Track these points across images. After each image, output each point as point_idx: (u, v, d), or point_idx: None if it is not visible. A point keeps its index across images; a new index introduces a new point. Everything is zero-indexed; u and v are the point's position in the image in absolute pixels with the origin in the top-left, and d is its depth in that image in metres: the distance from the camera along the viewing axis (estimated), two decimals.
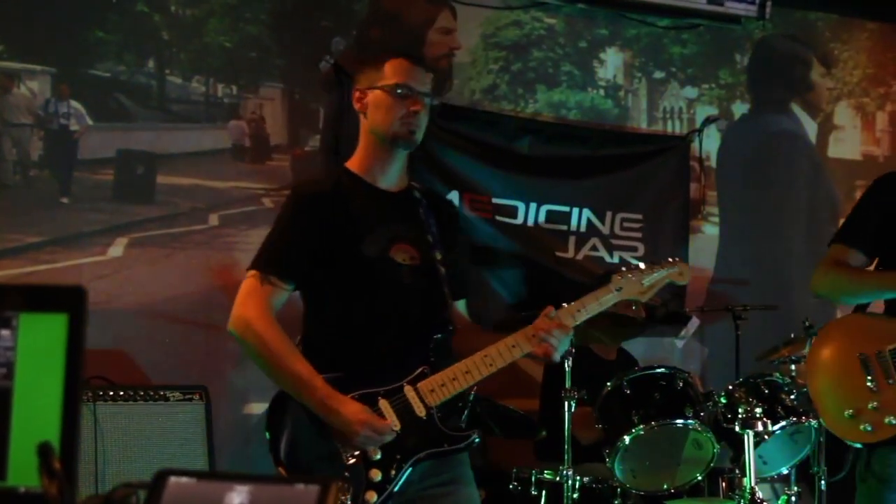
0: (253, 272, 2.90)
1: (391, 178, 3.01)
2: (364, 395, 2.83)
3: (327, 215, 2.90)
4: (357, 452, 2.81)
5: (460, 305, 3.11)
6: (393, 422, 2.83)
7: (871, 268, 3.44)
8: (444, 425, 2.87)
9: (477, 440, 2.92)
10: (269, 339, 2.82)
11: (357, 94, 2.99)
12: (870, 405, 3.24)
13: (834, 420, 3.34)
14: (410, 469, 2.84)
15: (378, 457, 2.81)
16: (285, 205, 3.01)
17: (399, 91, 2.91)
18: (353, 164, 3.03)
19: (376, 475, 2.81)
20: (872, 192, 3.47)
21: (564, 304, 2.99)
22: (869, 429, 3.23)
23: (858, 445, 3.31)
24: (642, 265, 3.08)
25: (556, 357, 2.95)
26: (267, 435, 2.87)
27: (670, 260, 3.15)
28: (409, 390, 2.85)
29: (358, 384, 2.83)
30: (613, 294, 3.02)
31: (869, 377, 3.26)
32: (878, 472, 3.28)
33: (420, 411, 2.84)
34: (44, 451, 1.35)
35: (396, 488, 2.82)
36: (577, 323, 2.98)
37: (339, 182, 2.99)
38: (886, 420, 3.21)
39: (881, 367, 3.26)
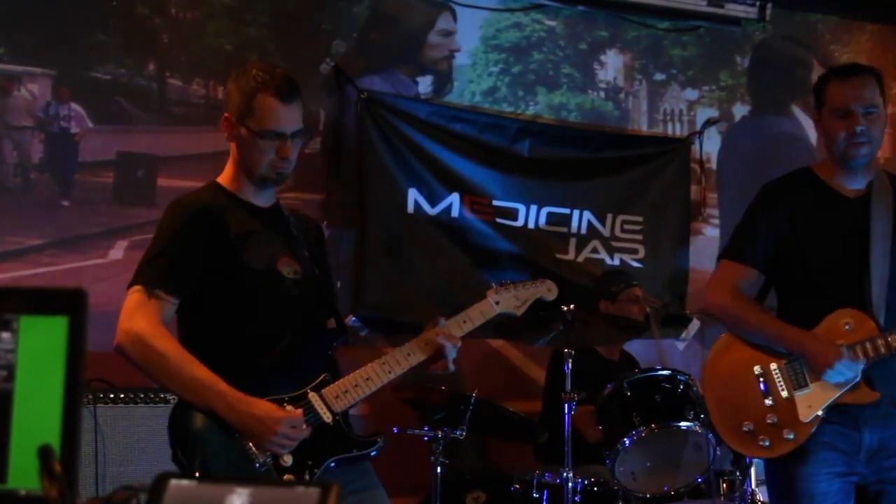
0: (137, 287, 2.83)
1: (264, 196, 2.99)
2: (270, 401, 2.80)
3: (212, 227, 2.86)
4: (268, 457, 2.77)
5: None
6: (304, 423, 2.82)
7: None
8: (351, 431, 2.91)
9: (382, 445, 2.95)
10: (164, 348, 2.75)
11: (225, 120, 2.92)
12: (767, 420, 3.23)
13: (731, 434, 3.32)
14: (322, 475, 2.83)
15: (290, 462, 2.79)
16: (166, 218, 2.92)
17: (267, 137, 2.86)
18: (224, 179, 2.99)
19: (290, 480, 2.78)
20: (761, 204, 3.42)
21: (443, 319, 3.05)
22: (767, 444, 3.23)
23: (758, 458, 3.34)
24: (511, 282, 3.24)
25: (450, 366, 3.01)
26: (172, 450, 2.81)
27: (540, 280, 3.33)
28: (313, 396, 2.86)
29: (262, 392, 2.80)
30: (492, 307, 3.14)
31: (766, 392, 3.24)
32: (779, 484, 3.30)
33: (327, 417, 2.86)
34: (44, 453, 1.35)
35: None
36: (463, 334, 3.06)
37: (215, 195, 2.95)
38: (785, 435, 3.20)
39: (777, 382, 3.24)
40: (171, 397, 4.25)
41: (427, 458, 4.17)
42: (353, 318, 5.05)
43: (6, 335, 1.45)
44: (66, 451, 1.39)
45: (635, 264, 5.74)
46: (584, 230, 5.67)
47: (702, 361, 5.82)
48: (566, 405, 4.04)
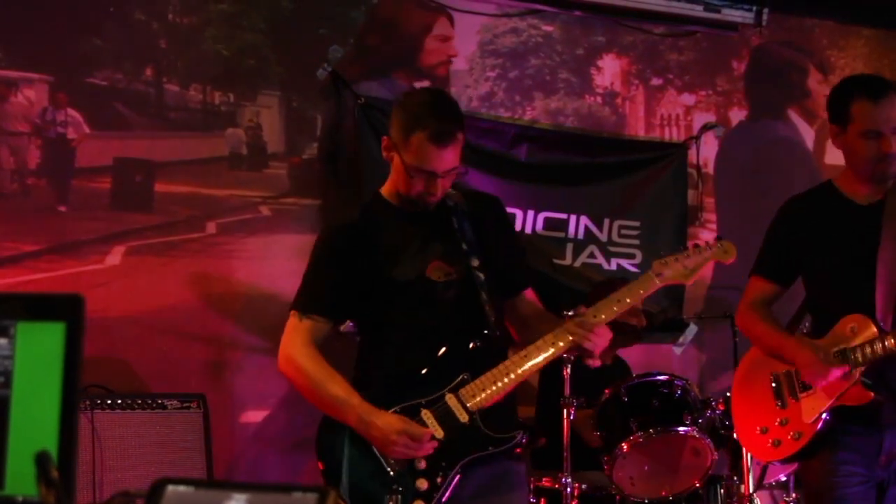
0: (293, 312, 3.00)
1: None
2: (405, 407, 2.88)
3: (357, 247, 2.97)
4: (401, 464, 2.83)
5: (526, 295, 3.12)
6: (435, 429, 2.85)
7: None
8: (488, 428, 2.89)
9: (523, 440, 2.94)
10: (307, 367, 2.91)
11: (385, 141, 3.01)
12: (778, 421, 3.35)
13: (746, 437, 3.48)
14: (459, 476, 2.85)
15: (423, 466, 2.84)
16: (317, 242, 3.08)
17: (418, 175, 2.92)
18: (385, 189, 3.08)
19: (423, 484, 2.84)
20: (780, 219, 3.53)
21: (583, 307, 2.99)
22: (777, 444, 3.33)
23: (769, 460, 3.43)
24: (683, 248, 3.11)
25: (596, 360, 2.99)
26: (320, 464, 2.93)
27: (714, 241, 3.18)
28: (450, 398, 2.89)
29: (400, 398, 2.88)
30: (655, 281, 3.02)
31: (778, 394, 3.36)
32: (806, 485, 3.44)
33: (462, 417, 2.87)
34: (41, 459, 1.35)
35: (445, 496, 2.84)
36: (620, 313, 2.99)
37: (369, 209, 3.06)
38: (791, 435, 3.31)
39: (788, 385, 3.35)
40: (168, 403, 4.28)
41: None
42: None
43: (3, 341, 1.45)
44: (63, 457, 1.39)
45: (632, 269, 5.73)
46: (581, 235, 5.67)
47: (700, 366, 5.85)
48: (564, 410, 4.04)
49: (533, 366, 2.92)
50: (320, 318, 2.97)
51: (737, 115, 6.21)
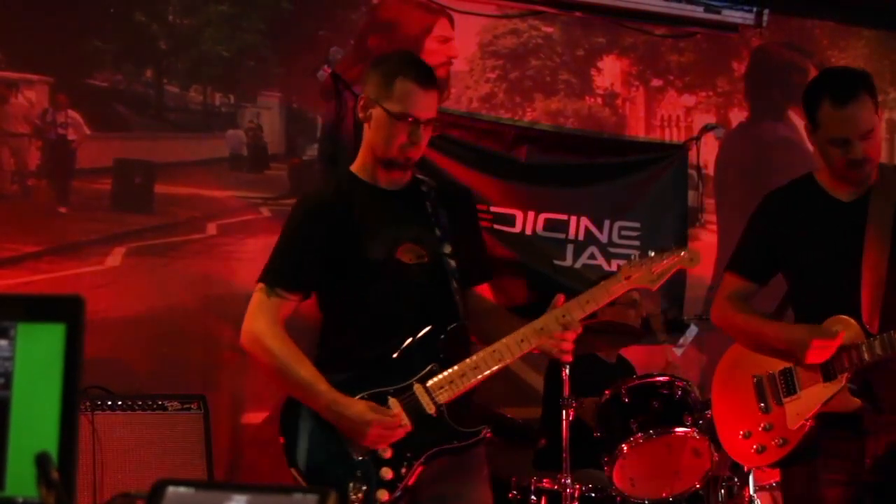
0: (260, 285, 2.95)
1: (396, 179, 3.04)
2: (373, 394, 2.86)
3: (332, 222, 2.94)
4: (366, 452, 2.82)
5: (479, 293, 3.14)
6: (403, 420, 2.84)
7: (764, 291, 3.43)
8: (455, 422, 2.89)
9: (487, 436, 2.94)
10: (275, 349, 2.88)
11: (362, 101, 3.00)
12: (761, 426, 3.27)
13: (728, 440, 3.38)
14: (423, 467, 2.85)
15: (389, 455, 2.83)
16: (290, 215, 3.04)
17: (403, 120, 2.92)
18: (356, 166, 3.06)
19: (388, 474, 2.83)
20: (759, 214, 3.43)
21: (563, 298, 2.99)
22: (761, 449, 3.26)
23: (752, 465, 3.35)
24: (652, 253, 3.08)
25: (568, 356, 2.98)
26: (281, 439, 2.91)
27: (678, 248, 3.15)
28: (418, 388, 2.87)
29: (367, 384, 2.86)
30: (621, 284, 3.02)
31: (760, 398, 3.28)
32: (785, 492, 3.34)
33: (430, 408, 2.86)
34: (42, 461, 1.35)
35: (408, 487, 2.83)
36: (586, 315, 2.99)
37: (342, 186, 3.02)
38: (775, 441, 3.24)
39: (772, 389, 3.27)
40: (168, 404, 4.27)
41: None
42: None
43: (3, 342, 1.46)
44: (64, 458, 1.39)
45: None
46: (581, 236, 5.67)
47: (700, 367, 5.85)
48: (564, 411, 4.04)
49: (503, 365, 2.93)
50: (288, 294, 2.94)
51: (737, 116, 6.21)
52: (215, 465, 4.34)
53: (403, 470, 2.83)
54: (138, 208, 4.91)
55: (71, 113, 4.82)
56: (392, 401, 2.86)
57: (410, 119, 2.91)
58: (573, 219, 5.66)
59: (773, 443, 3.25)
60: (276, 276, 2.95)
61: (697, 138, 5.98)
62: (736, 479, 4.34)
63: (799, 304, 3.36)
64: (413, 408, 2.86)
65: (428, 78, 2.95)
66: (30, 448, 1.37)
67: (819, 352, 3.14)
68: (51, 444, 1.40)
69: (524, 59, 5.76)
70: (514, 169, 5.54)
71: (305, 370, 2.86)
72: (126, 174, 4.92)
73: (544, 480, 4.26)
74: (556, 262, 5.60)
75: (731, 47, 6.18)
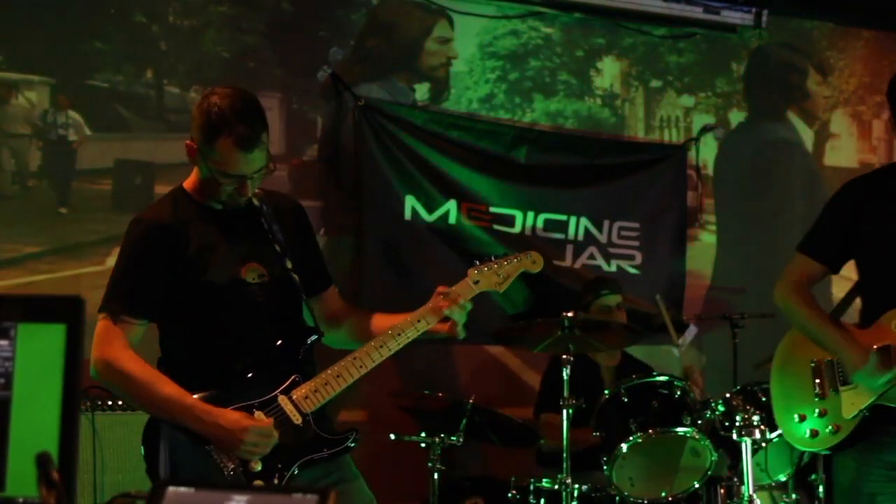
0: (102, 315, 2.85)
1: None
2: (238, 408, 2.81)
3: (171, 244, 2.86)
4: (238, 465, 2.77)
5: (333, 292, 3.14)
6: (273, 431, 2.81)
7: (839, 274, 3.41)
8: (322, 430, 2.89)
9: (354, 443, 2.92)
10: (132, 371, 2.80)
11: (189, 144, 2.87)
12: (816, 411, 3.27)
13: (783, 420, 3.37)
14: (293, 477, 2.82)
15: (259, 468, 2.79)
16: (126, 238, 2.93)
17: (227, 177, 2.84)
18: (189, 185, 2.96)
19: (288, 486, 2.79)
20: (839, 198, 3.40)
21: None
22: (814, 436, 3.25)
23: (804, 449, 3.33)
24: (493, 258, 3.15)
25: (460, 332, 2.99)
26: (145, 464, 2.83)
27: (523, 252, 3.22)
28: (283, 399, 2.86)
29: (230, 400, 2.82)
30: (470, 288, 3.06)
31: (818, 384, 3.28)
32: (834, 479, 3.33)
33: (296, 419, 2.85)
34: (42, 461, 1.36)
35: None
36: (438, 319, 2.99)
37: (178, 206, 2.93)
38: (828, 428, 3.24)
39: (829, 376, 3.27)
40: None
41: (424, 465, 4.18)
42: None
43: (4, 343, 1.46)
44: (64, 458, 1.40)
45: (632, 270, 5.75)
46: (580, 237, 5.68)
47: (700, 367, 5.84)
48: (563, 412, 4.05)
49: (365, 371, 2.91)
50: (132, 320, 2.85)
51: (736, 117, 6.22)
52: None
53: (276, 481, 2.80)
54: (138, 209, 4.90)
55: (71, 114, 4.82)
56: (258, 413, 2.82)
57: (234, 179, 2.84)
58: (573, 219, 5.67)
59: (826, 429, 3.24)
60: (118, 303, 2.85)
61: (696, 139, 5.99)
62: (735, 479, 4.34)
63: (867, 292, 3.33)
64: (279, 419, 2.83)
65: (253, 139, 2.79)
66: (30, 448, 1.38)
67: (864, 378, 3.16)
68: (51, 444, 1.40)
69: (524, 59, 5.76)
70: (513, 169, 5.55)
71: (169, 387, 2.78)
72: (126, 175, 4.93)
73: (544, 480, 4.26)
74: (556, 262, 5.60)
75: (730, 48, 6.19)
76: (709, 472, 4.22)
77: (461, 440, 4.16)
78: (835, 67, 6.42)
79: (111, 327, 2.83)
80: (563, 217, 5.65)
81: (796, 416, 3.31)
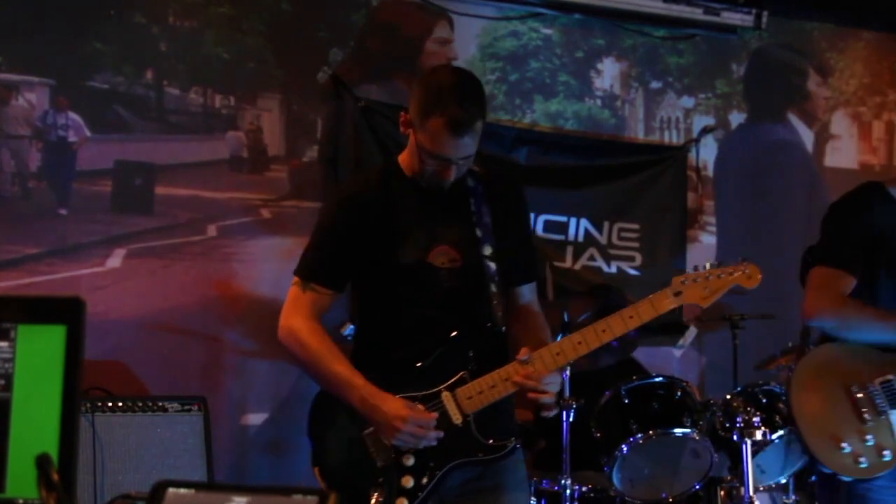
0: (295, 279, 2.90)
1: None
2: (402, 398, 2.77)
3: (365, 219, 2.85)
4: (389, 459, 2.76)
5: (524, 290, 3.01)
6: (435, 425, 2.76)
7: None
8: (480, 434, 2.79)
9: (515, 448, 2.84)
10: (310, 343, 2.82)
11: (403, 116, 2.85)
12: (866, 440, 3.20)
13: (822, 451, 3.23)
14: (444, 477, 2.77)
15: (411, 463, 2.77)
16: (325, 206, 2.99)
17: (433, 157, 2.79)
18: (402, 158, 2.93)
19: (408, 482, 2.76)
20: (856, 206, 3.37)
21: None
22: (866, 464, 3.18)
23: (848, 479, 3.20)
24: (708, 265, 2.90)
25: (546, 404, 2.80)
26: (309, 436, 2.89)
27: (739, 263, 2.93)
28: (446, 396, 2.78)
29: (396, 389, 2.77)
30: (669, 300, 2.83)
31: (863, 412, 3.20)
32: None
33: (456, 418, 2.77)
34: (42, 462, 1.35)
35: (429, 497, 2.76)
36: (628, 330, 2.81)
37: (386, 179, 2.90)
38: (882, 455, 3.18)
39: (874, 401, 3.21)
40: (169, 406, 4.28)
41: None
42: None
43: (4, 344, 1.46)
44: (64, 459, 1.40)
45: (632, 272, 5.74)
46: (581, 238, 5.68)
47: (699, 368, 5.85)
48: (563, 412, 4.05)
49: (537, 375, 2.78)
50: (322, 289, 2.86)
51: (736, 118, 6.22)
52: (215, 467, 4.34)
53: (424, 479, 2.75)
54: (138, 210, 4.92)
55: (71, 115, 4.82)
56: (419, 406, 2.78)
57: (442, 159, 2.79)
58: (573, 220, 5.67)
59: (879, 457, 3.18)
60: (310, 270, 2.87)
61: (696, 140, 5.99)
62: (735, 480, 4.35)
63: (885, 301, 3.29)
64: (439, 416, 2.76)
65: (466, 123, 2.72)
66: (30, 449, 1.38)
67: None
68: (51, 446, 1.40)
69: (524, 60, 5.76)
70: (513, 170, 5.54)
71: (341, 365, 2.79)
72: (126, 176, 4.93)
73: (544, 481, 4.26)
74: (556, 263, 5.60)
75: (730, 49, 6.19)
76: (709, 474, 4.22)
77: None
78: (835, 68, 6.42)
79: (300, 295, 2.87)
80: (563, 218, 5.65)
81: (841, 445, 3.20)
